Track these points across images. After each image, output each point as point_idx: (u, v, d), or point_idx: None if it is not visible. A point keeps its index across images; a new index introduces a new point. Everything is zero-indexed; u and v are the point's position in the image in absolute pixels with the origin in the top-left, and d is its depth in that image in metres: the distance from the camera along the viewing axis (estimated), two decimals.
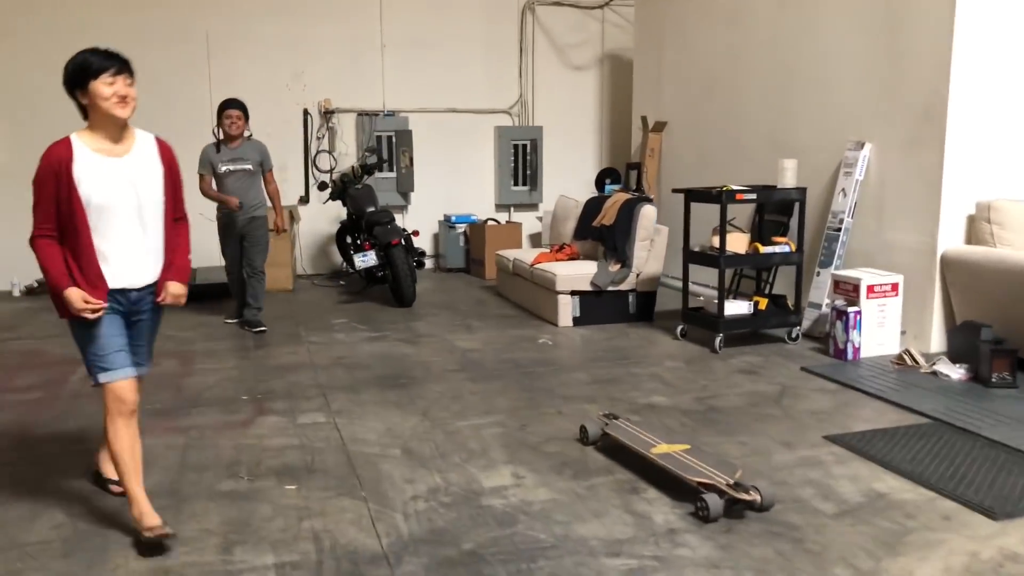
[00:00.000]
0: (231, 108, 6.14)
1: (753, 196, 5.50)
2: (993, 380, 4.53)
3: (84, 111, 2.96)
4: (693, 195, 5.71)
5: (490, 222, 8.97)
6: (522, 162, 9.52)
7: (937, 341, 5.26)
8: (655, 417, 4.16)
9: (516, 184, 9.55)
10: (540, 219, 9.35)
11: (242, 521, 3.08)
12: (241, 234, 6.24)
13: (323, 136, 9.00)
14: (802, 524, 2.98)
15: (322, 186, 8.20)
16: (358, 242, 7.98)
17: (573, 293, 6.26)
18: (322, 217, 9.02)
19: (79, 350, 2.97)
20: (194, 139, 8.38)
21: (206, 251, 8.66)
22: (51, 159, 2.83)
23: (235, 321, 6.51)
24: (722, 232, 5.40)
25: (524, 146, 9.50)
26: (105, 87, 2.85)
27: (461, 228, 9.09)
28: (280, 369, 5.19)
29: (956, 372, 4.71)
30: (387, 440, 3.91)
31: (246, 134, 6.29)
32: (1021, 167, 5.24)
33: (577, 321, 6.28)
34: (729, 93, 7.15)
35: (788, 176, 5.64)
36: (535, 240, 9.53)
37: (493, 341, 5.85)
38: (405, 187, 9.11)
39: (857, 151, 5.69)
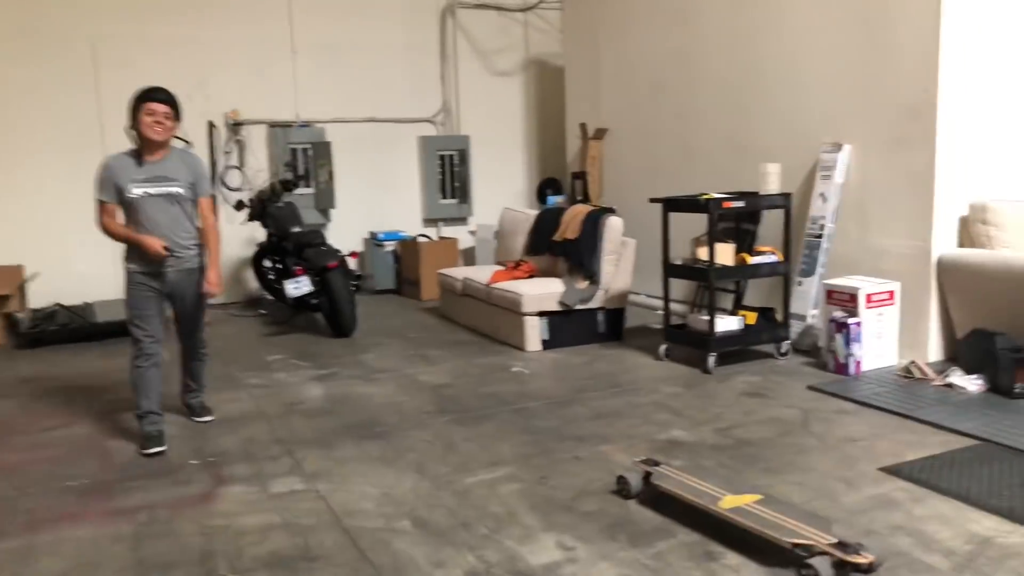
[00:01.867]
0: (155, 100, 3.95)
1: (741, 203, 5.13)
2: (1015, 390, 4.29)
3: None
4: (672, 204, 5.29)
5: (421, 238, 8.34)
6: (450, 174, 8.94)
7: (935, 350, 5.02)
8: (686, 456, 3.68)
9: (444, 197, 8.95)
10: (473, 233, 8.78)
11: None
12: (168, 293, 4.14)
13: (231, 151, 8.15)
14: None
15: (239, 206, 7.37)
16: (279, 266, 7.20)
17: (541, 314, 5.73)
18: (234, 240, 8.13)
19: None
20: (83, 164, 7.44)
21: (107, 281, 7.70)
22: None
23: (158, 449, 4.02)
24: (711, 243, 5.00)
25: (451, 156, 8.92)
26: None
27: (390, 246, 8.42)
28: (226, 422, 4.43)
29: (973, 384, 4.46)
30: (388, 509, 3.27)
31: (175, 143, 4.15)
32: (1011, 166, 5.08)
33: (546, 344, 5.76)
34: (679, 96, 6.81)
35: (771, 181, 5.31)
36: (468, 256, 8.94)
37: (462, 373, 5.24)
38: (324, 203, 8.36)
39: (835, 153, 5.42)
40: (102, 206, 4.03)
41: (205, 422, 4.45)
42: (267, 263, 7.50)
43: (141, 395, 4.11)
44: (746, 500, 2.95)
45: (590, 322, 5.91)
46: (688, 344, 5.28)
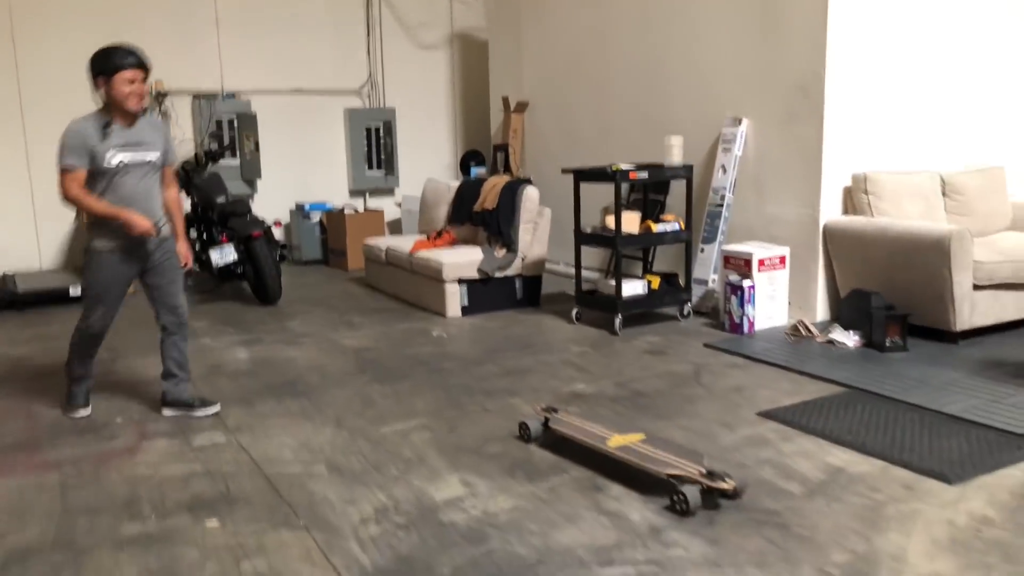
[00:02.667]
0: (132, 67, 3.60)
1: (644, 174, 5.45)
2: (887, 345, 4.72)
3: None
4: (583, 175, 5.58)
5: (347, 209, 8.48)
6: (376, 145, 9.08)
7: (822, 310, 5.45)
8: (587, 407, 4.00)
9: (371, 168, 9.09)
10: (399, 205, 8.95)
11: (166, 570, 2.60)
12: (147, 270, 3.89)
13: None
14: (779, 508, 2.90)
15: None
16: (205, 236, 7.28)
17: (460, 281, 5.98)
18: None
19: None
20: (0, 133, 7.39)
21: (24, 250, 7.67)
22: None
23: (85, 412, 4.09)
24: (617, 212, 5.31)
25: (377, 129, 9.06)
26: None
27: (316, 217, 8.55)
28: (151, 384, 4.58)
29: (850, 340, 4.88)
30: (306, 457, 3.50)
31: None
32: (891, 140, 5.50)
33: (466, 310, 6.02)
34: (596, 71, 7.09)
35: (675, 153, 5.64)
36: (395, 227, 9.13)
37: (383, 337, 5.47)
38: (250, 174, 8.44)
39: (735, 127, 5.78)
40: (70, 173, 3.63)
41: (214, 412, 4.04)
42: (193, 233, 7.56)
43: (83, 361, 4.02)
44: (631, 439, 3.27)
45: (508, 289, 6.19)
46: (598, 308, 5.60)
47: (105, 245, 3.77)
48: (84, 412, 4.09)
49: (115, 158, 3.66)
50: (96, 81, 3.65)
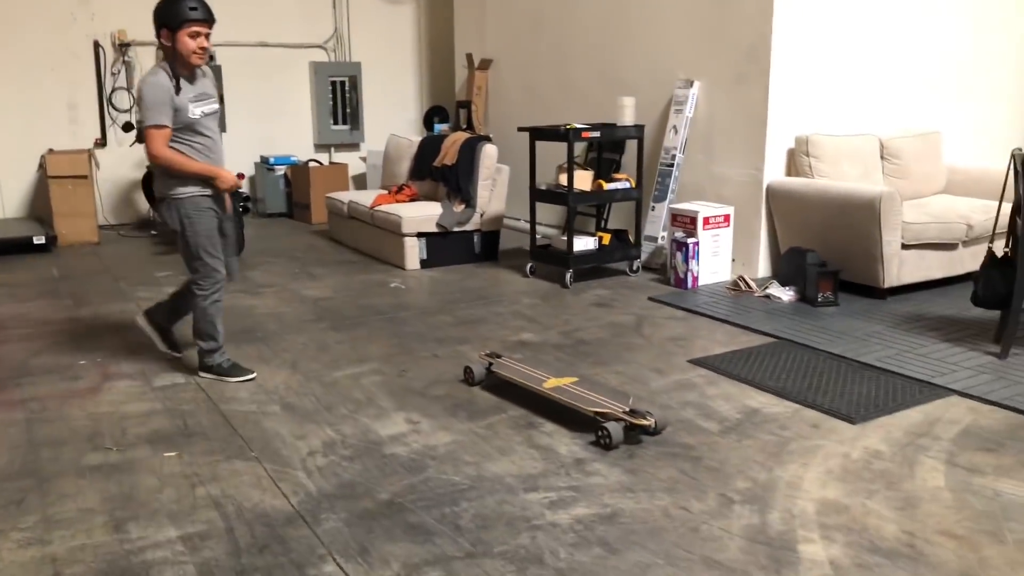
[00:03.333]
0: (202, 20, 3.53)
1: (597, 134, 5.63)
2: (819, 300, 5.00)
3: None
4: (538, 133, 5.76)
5: (312, 163, 8.59)
6: (341, 100, 9.15)
7: (764, 266, 5.71)
8: (531, 353, 4.23)
9: (336, 123, 9.18)
10: (364, 159, 9.07)
11: (126, 495, 2.82)
12: (220, 219, 3.84)
13: (119, 72, 8.16)
14: (695, 444, 3.17)
15: (127, 127, 7.49)
16: None
17: (419, 235, 6.17)
18: (124, 161, 8.23)
19: None
20: None
21: None
22: None
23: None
24: (570, 170, 5.51)
25: (343, 83, 9.13)
26: None
27: (281, 170, 8.65)
28: (114, 329, 4.75)
29: (786, 295, 5.15)
30: (261, 397, 3.71)
31: None
32: (831, 104, 5.73)
33: (424, 263, 6.21)
34: (557, 31, 7.23)
35: (627, 114, 5.82)
36: (359, 182, 9.25)
37: (343, 288, 5.66)
38: None
39: (687, 89, 5.97)
40: (159, 131, 3.53)
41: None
42: None
43: (217, 329, 3.88)
44: (565, 381, 3.51)
45: (466, 243, 6.38)
46: (551, 262, 5.82)
47: (196, 191, 3.70)
48: (252, 375, 3.93)
49: (197, 109, 3.62)
50: (160, 33, 3.54)
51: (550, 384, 3.49)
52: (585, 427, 3.30)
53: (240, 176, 7.30)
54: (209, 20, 3.58)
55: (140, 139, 7.31)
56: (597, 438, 3.15)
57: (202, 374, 3.96)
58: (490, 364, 3.79)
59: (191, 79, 3.65)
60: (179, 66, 3.58)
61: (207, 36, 3.57)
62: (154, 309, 4.20)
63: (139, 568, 2.39)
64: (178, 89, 3.56)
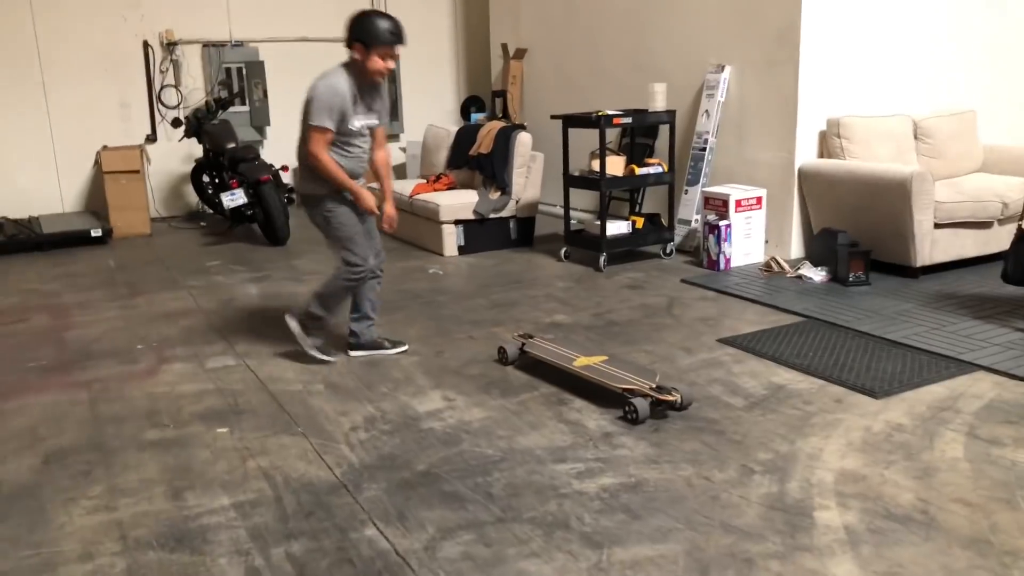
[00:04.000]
0: (391, 43, 3.65)
1: (628, 120, 5.73)
2: (850, 279, 5.05)
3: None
4: (571, 121, 5.87)
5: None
6: None
7: (796, 247, 5.76)
8: (562, 334, 4.37)
9: None
10: (404, 150, 9.26)
11: (183, 467, 3.03)
12: (358, 213, 3.96)
13: (167, 70, 8.45)
14: (719, 418, 3.29)
15: (175, 123, 7.75)
16: (217, 180, 7.65)
17: (457, 222, 6.33)
18: (173, 156, 8.54)
19: None
20: (18, 82, 7.71)
21: (47, 193, 8.07)
22: None
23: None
24: (602, 156, 5.62)
25: None
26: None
27: None
28: (168, 316, 5.00)
29: (818, 275, 5.21)
30: (307, 377, 3.91)
31: None
32: (863, 86, 5.74)
33: (462, 250, 6.38)
34: (589, 19, 7.31)
35: (658, 99, 5.91)
36: (399, 171, 9.45)
37: (383, 274, 5.83)
38: (260, 121, 8.75)
39: (718, 74, 6.03)
40: (321, 132, 3.66)
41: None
42: (205, 178, 7.93)
43: (335, 309, 4.00)
44: (595, 360, 3.65)
45: (503, 229, 6.53)
46: (585, 247, 5.94)
47: (336, 196, 3.83)
48: (404, 347, 4.14)
49: (358, 121, 3.77)
50: (353, 45, 3.67)
51: (580, 363, 3.63)
52: (614, 403, 3.43)
53: (284, 168, 7.54)
54: (402, 44, 3.69)
55: (187, 134, 7.60)
56: (624, 413, 3.29)
57: (288, 318, 4.03)
58: (523, 344, 3.94)
59: (367, 91, 3.79)
60: (362, 77, 3.73)
61: (396, 58, 3.68)
62: (356, 334, 4.20)
63: (196, 532, 2.59)
64: (355, 98, 3.71)
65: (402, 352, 4.19)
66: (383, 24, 3.62)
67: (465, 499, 2.72)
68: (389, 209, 4.02)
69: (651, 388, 3.32)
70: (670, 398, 3.27)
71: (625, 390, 3.35)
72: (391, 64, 3.69)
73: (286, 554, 2.45)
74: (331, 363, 4.05)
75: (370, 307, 4.15)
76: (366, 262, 3.91)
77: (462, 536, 2.51)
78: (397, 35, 3.66)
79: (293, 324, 4.08)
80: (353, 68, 3.73)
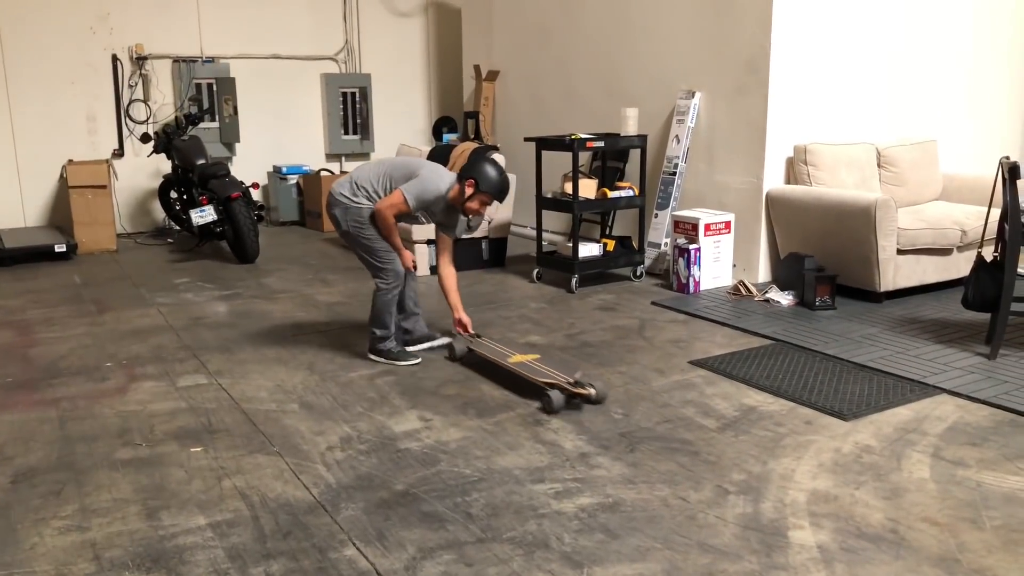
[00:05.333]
0: (494, 198, 4.25)
1: (601, 144, 5.81)
2: (817, 304, 5.16)
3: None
4: (544, 144, 5.94)
5: (324, 172, 8.79)
6: (352, 110, 9.37)
7: (764, 271, 5.87)
8: (539, 354, 4.40)
9: (347, 133, 9.39)
10: None
11: (157, 487, 3.00)
12: None
13: (136, 84, 8.38)
14: (693, 439, 3.34)
15: (145, 138, 7.69)
16: (185, 197, 7.59)
17: (429, 242, 6.35)
18: (141, 171, 8.46)
19: None
20: None
21: (9, 207, 7.94)
22: None
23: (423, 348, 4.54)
24: (575, 178, 5.68)
25: (353, 94, 9.34)
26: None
27: (294, 179, 8.85)
28: (137, 333, 4.94)
29: (785, 299, 5.31)
30: (280, 396, 3.89)
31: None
32: (830, 113, 5.90)
33: (434, 269, 6.38)
34: (562, 43, 7.42)
35: (630, 124, 6.00)
36: None
37: (355, 294, 5.84)
38: (229, 137, 8.71)
39: (689, 99, 6.15)
40: (401, 204, 4.13)
41: (447, 342, 4.47)
42: (173, 194, 7.87)
43: (391, 319, 4.33)
44: (528, 358, 3.92)
45: (475, 250, 6.57)
46: (557, 268, 5.99)
47: (369, 205, 4.21)
48: (419, 360, 4.36)
49: (431, 219, 4.36)
50: (466, 181, 4.17)
51: (514, 360, 3.88)
52: (592, 425, 3.47)
53: (254, 186, 7.51)
54: (500, 202, 4.32)
55: (155, 150, 7.53)
56: (543, 404, 3.58)
57: (372, 357, 4.39)
58: (471, 342, 4.21)
59: (452, 209, 4.29)
60: (456, 200, 4.22)
61: (487, 206, 4.26)
62: (407, 331, 4.55)
63: (173, 552, 2.56)
64: (442, 207, 4.25)
65: (447, 343, 4.47)
66: (500, 182, 4.20)
67: (444, 519, 2.73)
68: (464, 318, 4.43)
69: (568, 383, 3.57)
70: (584, 392, 3.55)
71: (544, 383, 3.58)
72: (482, 210, 4.26)
73: (265, 574, 2.43)
74: (440, 345, 4.48)
75: (412, 304, 4.54)
76: (399, 275, 4.31)
77: (442, 556, 2.51)
78: (502, 194, 4.24)
79: (376, 358, 4.38)
80: (456, 195, 4.21)
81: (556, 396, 3.54)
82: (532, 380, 3.71)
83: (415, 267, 4.45)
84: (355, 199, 4.21)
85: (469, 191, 4.17)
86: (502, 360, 3.92)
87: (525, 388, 3.87)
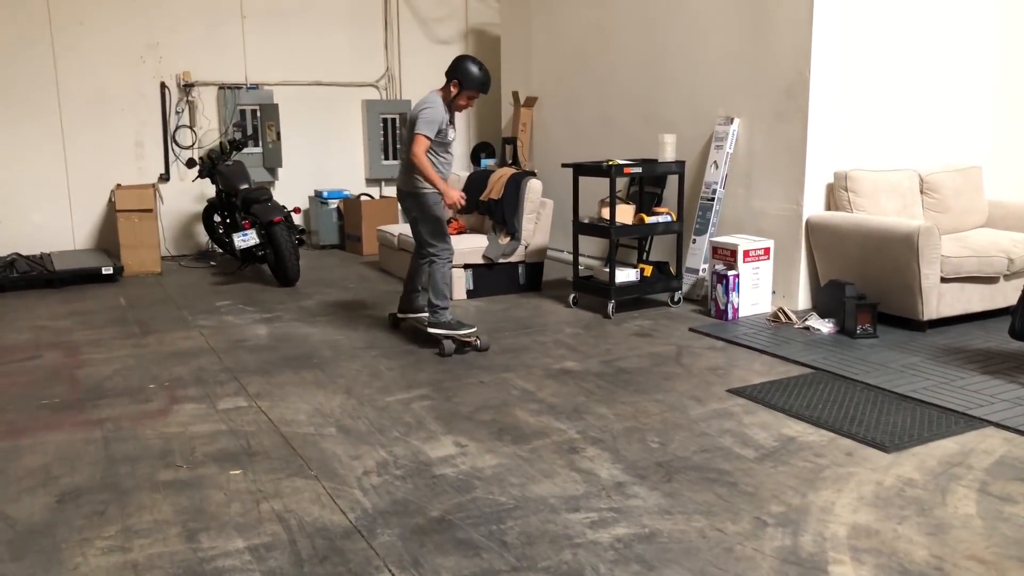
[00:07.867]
0: (479, 91, 4.79)
1: (639, 169, 5.82)
2: (858, 332, 5.09)
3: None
4: (582, 169, 5.96)
5: (364, 197, 8.90)
6: (392, 136, 9.49)
7: (803, 299, 5.81)
8: (572, 381, 4.40)
9: (386, 158, 9.51)
10: None
11: (196, 508, 3.04)
12: None
13: (183, 111, 8.59)
14: (731, 469, 3.30)
15: (190, 163, 7.85)
16: (228, 220, 7.73)
17: (466, 266, 6.39)
18: (185, 195, 8.64)
19: None
20: (37, 119, 7.84)
21: (59, 229, 8.15)
22: None
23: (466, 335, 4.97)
24: (612, 204, 5.69)
25: (393, 120, 9.47)
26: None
27: (334, 204, 8.97)
28: (179, 355, 5.03)
29: (825, 326, 5.24)
30: (319, 420, 3.93)
31: None
32: (871, 139, 5.84)
33: (471, 293, 6.43)
34: (600, 70, 7.45)
35: (668, 150, 6.00)
36: None
37: None
38: (272, 162, 8.87)
39: (727, 125, 6.13)
40: (423, 140, 4.64)
41: (472, 331, 4.97)
42: (217, 218, 8.02)
43: (450, 290, 5.02)
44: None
45: (512, 274, 6.59)
46: (593, 293, 5.99)
47: (430, 189, 4.82)
48: (474, 328, 4.95)
49: (451, 134, 4.84)
50: (451, 81, 4.71)
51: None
52: (626, 454, 3.45)
53: (296, 210, 7.63)
54: (485, 93, 4.82)
55: (200, 175, 7.71)
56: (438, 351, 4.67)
57: (431, 330, 4.90)
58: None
59: (451, 116, 4.81)
60: (450, 105, 4.76)
61: (475, 100, 4.82)
62: (404, 306, 5.28)
63: (211, 574, 2.60)
64: (444, 120, 4.72)
65: (471, 332, 4.93)
66: (479, 72, 4.72)
67: (480, 547, 2.73)
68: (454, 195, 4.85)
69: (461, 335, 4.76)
70: (470, 340, 4.82)
71: (439, 334, 4.83)
72: (471, 104, 4.80)
73: None
74: (473, 330, 4.92)
75: (420, 283, 5.17)
76: (451, 246, 4.95)
77: None
78: (485, 85, 4.73)
79: (435, 331, 4.89)
80: (444, 96, 4.73)
81: (448, 345, 4.68)
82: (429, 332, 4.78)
83: (463, 202, 4.79)
84: (405, 182, 4.88)
85: (454, 91, 4.70)
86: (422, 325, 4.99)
87: (562, 411, 3.87)
